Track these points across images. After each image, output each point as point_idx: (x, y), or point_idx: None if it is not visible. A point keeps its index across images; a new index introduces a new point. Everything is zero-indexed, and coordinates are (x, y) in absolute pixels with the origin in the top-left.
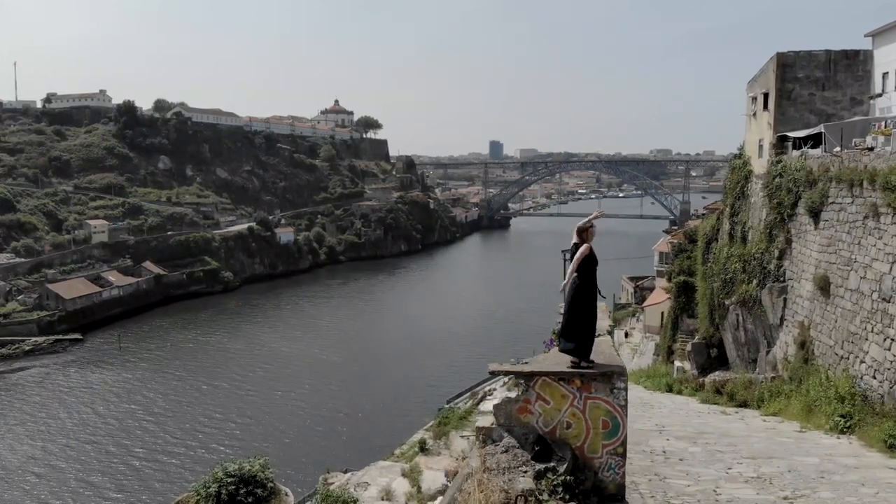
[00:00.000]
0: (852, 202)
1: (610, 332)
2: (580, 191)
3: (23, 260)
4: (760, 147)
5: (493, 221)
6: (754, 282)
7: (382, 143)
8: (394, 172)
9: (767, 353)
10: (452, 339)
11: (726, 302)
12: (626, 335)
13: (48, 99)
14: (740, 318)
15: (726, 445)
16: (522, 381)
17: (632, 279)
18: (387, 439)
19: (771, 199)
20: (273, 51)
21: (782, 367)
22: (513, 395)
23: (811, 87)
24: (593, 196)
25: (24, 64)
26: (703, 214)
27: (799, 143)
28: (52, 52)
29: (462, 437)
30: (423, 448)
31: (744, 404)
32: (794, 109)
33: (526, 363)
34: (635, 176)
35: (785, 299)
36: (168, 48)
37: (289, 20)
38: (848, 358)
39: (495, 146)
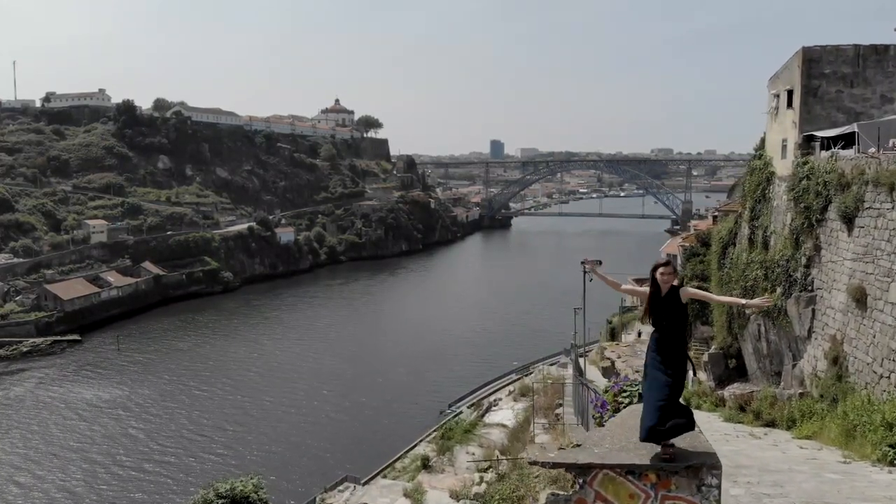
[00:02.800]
0: (893, 208)
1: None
2: (581, 190)
3: (21, 260)
4: (784, 147)
5: (494, 221)
6: (778, 290)
7: (383, 143)
8: (394, 172)
9: (793, 366)
10: (453, 340)
11: (747, 311)
12: (640, 335)
13: (47, 98)
14: (762, 328)
15: (771, 486)
16: (574, 475)
17: (637, 281)
18: (388, 445)
19: (797, 203)
20: (273, 50)
21: (811, 382)
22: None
23: (839, 83)
24: (594, 196)
25: (23, 63)
26: (716, 216)
27: (827, 144)
28: (52, 52)
29: (468, 453)
30: (425, 465)
31: (771, 423)
32: (820, 107)
33: (579, 446)
34: (636, 175)
35: (813, 310)
36: (168, 48)
37: (289, 20)
38: (889, 377)
39: (496, 145)
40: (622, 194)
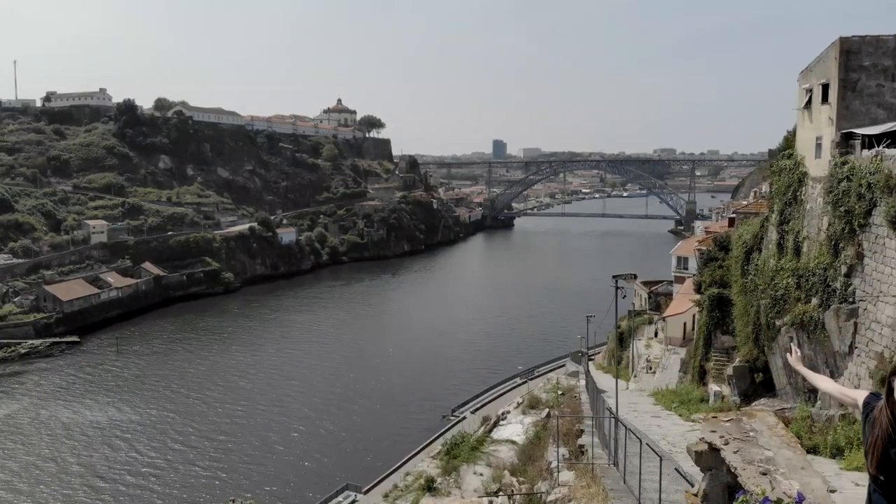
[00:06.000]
0: None
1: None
2: (584, 190)
3: (20, 261)
4: (818, 146)
5: (496, 221)
6: (814, 301)
7: (385, 143)
8: (397, 172)
9: None
10: (455, 343)
11: (777, 322)
12: (656, 334)
13: (48, 98)
14: (795, 341)
15: None
16: None
17: (646, 284)
18: (390, 452)
19: (836, 207)
20: (276, 50)
21: None
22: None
23: (879, 76)
24: (597, 196)
25: (24, 63)
26: (733, 217)
27: (869, 142)
28: (53, 52)
29: (475, 473)
30: (429, 487)
31: (813, 450)
32: (859, 102)
33: None
34: (639, 175)
35: (856, 323)
36: (170, 47)
37: (292, 19)
38: None
39: (498, 145)
40: (625, 194)
